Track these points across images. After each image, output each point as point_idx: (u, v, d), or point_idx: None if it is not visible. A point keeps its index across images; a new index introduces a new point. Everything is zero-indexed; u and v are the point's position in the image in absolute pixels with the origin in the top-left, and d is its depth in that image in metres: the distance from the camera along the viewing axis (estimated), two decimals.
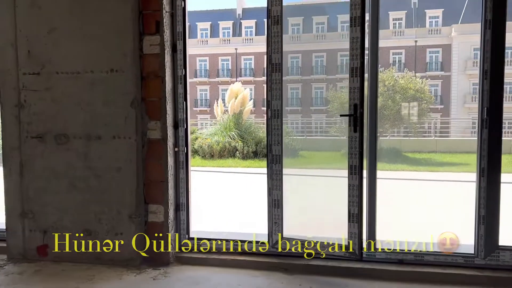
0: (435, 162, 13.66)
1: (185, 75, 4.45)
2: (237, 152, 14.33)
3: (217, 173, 11.95)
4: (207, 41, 51.01)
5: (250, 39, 50.04)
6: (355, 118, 3.95)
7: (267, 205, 4.36)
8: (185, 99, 4.46)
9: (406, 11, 48.23)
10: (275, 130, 4.29)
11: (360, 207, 3.97)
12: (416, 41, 46.73)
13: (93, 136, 4.37)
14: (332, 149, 18.99)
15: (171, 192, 4.41)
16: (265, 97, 4.37)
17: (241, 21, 52.21)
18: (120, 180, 4.33)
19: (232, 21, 52.35)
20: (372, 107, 4.11)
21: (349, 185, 4.03)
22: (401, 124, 14.22)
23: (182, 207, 4.50)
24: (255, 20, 51.51)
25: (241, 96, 14.84)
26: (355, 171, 4.01)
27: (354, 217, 3.98)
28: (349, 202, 4.01)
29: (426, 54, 46.51)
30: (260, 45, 48.64)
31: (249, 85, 49.01)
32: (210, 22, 52.28)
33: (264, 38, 42.37)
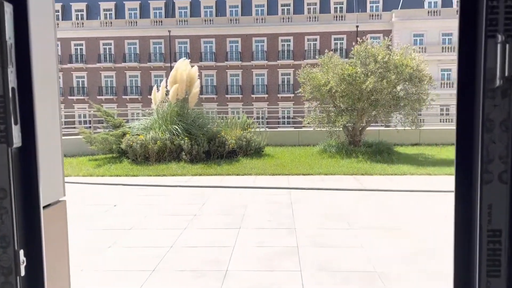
0: (436, 160, 10.88)
1: None
2: (183, 153, 10.50)
3: (153, 188, 8.15)
4: (136, 22, 45.58)
5: (184, 21, 45.44)
6: None
7: None
8: None
9: None
10: None
11: None
12: (357, 26, 45.27)
13: None
14: (304, 143, 15.84)
15: None
16: None
17: (174, 1, 47.28)
18: None
19: (164, 1, 47.28)
20: None
21: None
22: (396, 111, 11.18)
23: None
24: (190, 0, 46.94)
25: (186, 75, 10.86)
26: None
27: None
28: None
29: (368, 40, 45.27)
30: (195, 27, 44.37)
31: (208, 70, 44.72)
32: (140, 1, 46.81)
33: (199, 20, 38.25)
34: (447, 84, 43.10)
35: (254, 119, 15.21)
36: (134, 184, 8.48)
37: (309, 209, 6.30)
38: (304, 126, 12.90)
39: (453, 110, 37.88)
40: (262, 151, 11.90)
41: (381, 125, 14.38)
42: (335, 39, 45.05)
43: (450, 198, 5.96)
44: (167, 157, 10.67)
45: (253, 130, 12.57)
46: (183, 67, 11.40)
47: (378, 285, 3.63)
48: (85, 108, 37.81)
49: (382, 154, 10.95)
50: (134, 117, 17.58)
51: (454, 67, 43.17)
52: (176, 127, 10.98)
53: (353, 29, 44.58)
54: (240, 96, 44.98)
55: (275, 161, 10.75)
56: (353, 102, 10.90)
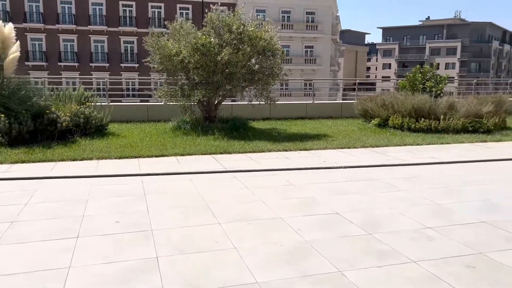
0: (289, 134, 10.88)
1: None
2: None
3: None
4: None
5: None
6: None
7: None
8: None
9: None
10: None
11: None
12: None
13: None
14: (154, 119, 14.22)
15: None
16: None
17: None
18: None
19: None
20: None
21: None
22: (251, 85, 10.74)
23: None
24: None
25: None
26: None
27: None
28: None
29: (216, 10, 44.81)
30: None
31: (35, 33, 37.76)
32: None
33: None
34: (307, 60, 45.69)
35: (94, 91, 13.24)
36: None
37: (168, 200, 5.33)
38: (151, 100, 11.60)
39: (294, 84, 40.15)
40: (106, 129, 10.28)
41: (231, 100, 13.98)
42: (180, 9, 43.44)
43: (311, 176, 5.50)
44: None
45: (93, 104, 10.77)
46: None
47: None
48: None
49: (239, 130, 10.48)
50: None
51: (292, 44, 46.12)
52: None
53: None
54: (77, 64, 40.15)
55: (122, 141, 9.31)
56: (208, 74, 10.08)
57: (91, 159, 7.67)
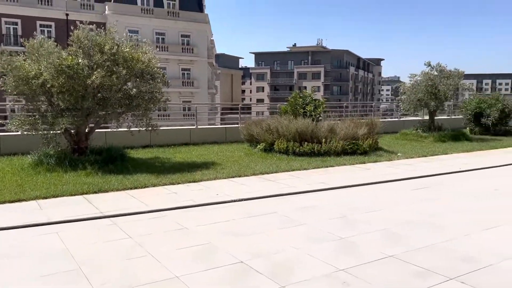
0: (174, 164, 9.94)
1: None
2: None
3: None
4: None
5: None
6: None
7: None
8: None
9: None
10: None
11: None
12: (67, 14, 41.25)
13: None
14: (8, 152, 11.71)
15: None
16: None
17: None
18: None
19: None
20: None
21: None
22: (129, 111, 9.61)
23: None
24: None
25: None
26: None
27: None
28: None
29: (88, 27, 41.67)
30: None
31: None
32: None
33: None
34: None
35: None
36: None
37: (25, 267, 4.10)
38: (8, 130, 9.66)
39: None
40: None
41: (102, 126, 12.57)
42: (41, 26, 39.37)
43: (205, 214, 4.63)
44: None
45: None
46: None
47: None
48: None
49: (115, 162, 9.25)
50: None
51: (168, 66, 45.11)
52: None
53: (62, 16, 40.18)
54: None
55: None
56: (76, 100, 8.72)
57: None
